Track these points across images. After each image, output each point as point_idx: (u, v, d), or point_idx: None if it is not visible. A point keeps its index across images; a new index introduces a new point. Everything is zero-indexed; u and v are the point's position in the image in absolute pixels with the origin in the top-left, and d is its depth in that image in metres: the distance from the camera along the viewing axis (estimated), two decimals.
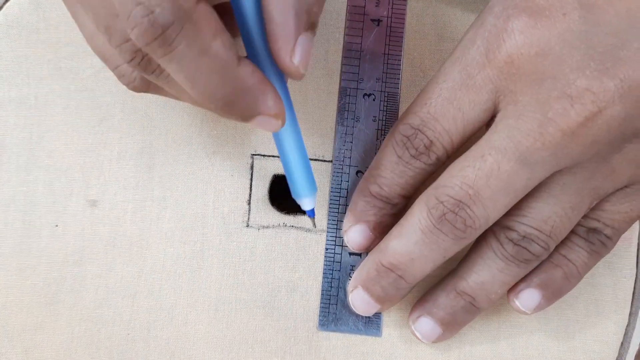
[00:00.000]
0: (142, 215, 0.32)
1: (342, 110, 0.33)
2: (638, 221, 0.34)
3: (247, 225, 0.33)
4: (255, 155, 0.33)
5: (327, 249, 0.32)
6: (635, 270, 0.34)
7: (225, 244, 0.32)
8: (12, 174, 0.32)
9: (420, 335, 0.31)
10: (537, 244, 0.28)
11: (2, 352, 0.31)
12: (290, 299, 0.32)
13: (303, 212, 0.33)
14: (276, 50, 0.25)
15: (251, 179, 0.33)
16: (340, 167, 0.33)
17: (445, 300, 0.30)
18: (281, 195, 0.33)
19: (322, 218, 0.33)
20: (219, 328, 0.32)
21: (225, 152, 0.33)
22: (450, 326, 0.31)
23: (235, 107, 0.25)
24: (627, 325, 0.33)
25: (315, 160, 0.33)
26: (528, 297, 0.30)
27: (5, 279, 0.31)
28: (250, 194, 0.33)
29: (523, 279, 0.30)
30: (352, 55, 0.33)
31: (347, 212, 0.32)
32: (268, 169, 0.33)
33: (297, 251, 0.33)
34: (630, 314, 0.33)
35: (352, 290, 0.31)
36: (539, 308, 0.31)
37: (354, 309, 0.31)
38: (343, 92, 0.33)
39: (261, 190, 0.33)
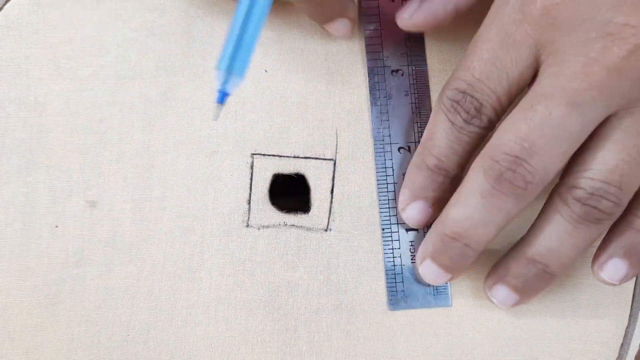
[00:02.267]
0: (141, 215, 0.32)
1: (372, 89, 0.33)
2: None
3: (247, 225, 0.33)
4: (255, 154, 0.33)
5: (383, 229, 0.32)
6: None
7: (225, 244, 0.32)
8: (11, 174, 0.32)
9: (497, 302, 0.31)
10: (607, 199, 0.27)
11: (3, 353, 0.31)
12: (290, 298, 0.32)
13: (304, 211, 0.33)
14: None
15: (251, 179, 0.33)
16: (382, 145, 0.32)
17: (517, 269, 0.30)
18: (281, 195, 0.33)
19: (322, 216, 0.33)
20: (219, 329, 0.32)
21: (224, 151, 0.33)
22: (526, 292, 0.30)
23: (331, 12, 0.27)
24: (627, 327, 0.33)
25: (316, 159, 0.33)
26: (613, 268, 0.29)
27: (5, 280, 0.31)
28: (250, 194, 0.33)
29: (605, 248, 0.29)
30: (372, 34, 0.33)
31: (403, 189, 0.31)
32: (268, 168, 0.33)
33: (298, 250, 0.33)
34: (630, 316, 0.33)
35: (421, 262, 0.31)
36: (627, 278, 0.30)
37: (425, 280, 0.31)
38: (370, 72, 0.33)
39: (261, 190, 0.33)
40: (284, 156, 0.33)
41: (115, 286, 0.32)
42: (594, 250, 0.32)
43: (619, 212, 0.28)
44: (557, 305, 0.33)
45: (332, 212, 0.33)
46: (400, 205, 0.31)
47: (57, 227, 0.32)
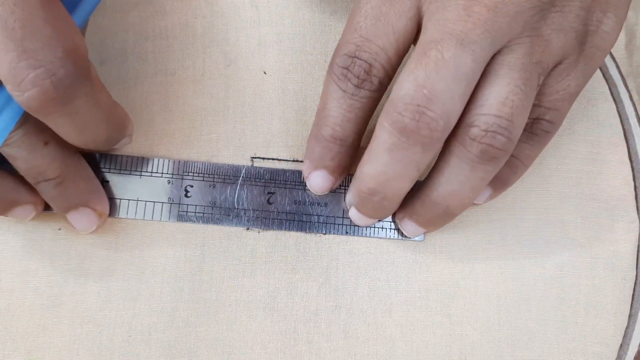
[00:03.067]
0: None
1: None
2: (638, 224, 0.34)
3: (248, 229, 0.33)
4: (255, 158, 0.33)
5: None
6: (635, 272, 0.34)
7: (226, 246, 0.33)
8: None
9: (406, 233, 0.33)
10: (501, 134, 0.27)
11: (6, 354, 0.31)
12: (290, 300, 0.32)
13: None
14: None
15: None
16: None
17: (421, 209, 0.31)
18: None
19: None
20: (220, 330, 0.32)
21: (224, 155, 0.33)
22: (431, 226, 0.32)
23: (114, 140, 0.30)
24: (626, 327, 0.33)
25: None
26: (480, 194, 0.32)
27: (8, 281, 0.32)
28: None
29: None
30: None
31: (305, 159, 0.32)
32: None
33: (297, 253, 0.33)
34: (629, 316, 0.33)
35: (349, 207, 0.32)
36: (490, 198, 0.33)
37: (355, 224, 0.33)
38: None
39: None
40: (283, 160, 0.33)
41: (117, 288, 0.32)
42: (594, 248, 0.32)
43: (511, 149, 0.28)
44: (556, 305, 0.33)
45: None
46: (304, 174, 0.32)
47: (60, 229, 0.32)
